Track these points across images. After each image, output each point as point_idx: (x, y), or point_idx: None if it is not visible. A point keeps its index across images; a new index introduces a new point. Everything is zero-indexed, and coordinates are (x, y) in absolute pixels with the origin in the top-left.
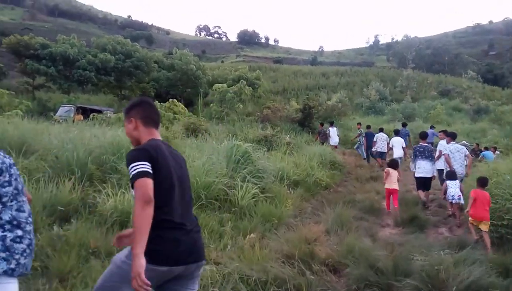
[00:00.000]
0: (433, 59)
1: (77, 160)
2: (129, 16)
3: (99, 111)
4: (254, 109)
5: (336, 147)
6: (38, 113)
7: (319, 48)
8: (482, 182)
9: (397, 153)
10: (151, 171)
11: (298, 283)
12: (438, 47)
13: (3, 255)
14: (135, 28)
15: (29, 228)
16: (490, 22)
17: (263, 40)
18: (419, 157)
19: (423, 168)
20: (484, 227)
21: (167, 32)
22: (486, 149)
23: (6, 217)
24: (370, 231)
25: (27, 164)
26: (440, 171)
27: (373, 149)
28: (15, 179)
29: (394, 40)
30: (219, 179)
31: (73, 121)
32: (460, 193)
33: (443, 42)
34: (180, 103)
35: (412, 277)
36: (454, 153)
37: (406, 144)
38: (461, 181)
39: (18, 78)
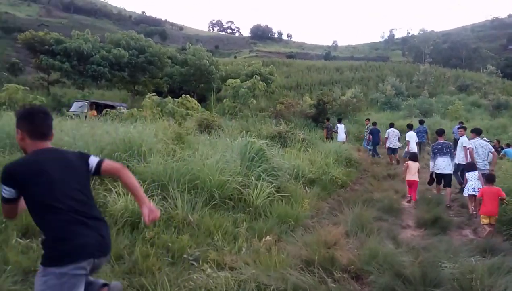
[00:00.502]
0: (450, 53)
1: None
2: (143, 12)
3: (113, 107)
4: (267, 105)
5: (343, 143)
6: (52, 109)
7: (333, 43)
8: (489, 179)
9: (413, 146)
10: (9, 197)
11: None
12: (456, 42)
13: None
14: (149, 24)
15: None
16: (509, 15)
17: (276, 35)
18: (438, 154)
19: (440, 164)
20: (492, 220)
21: (181, 28)
22: (508, 145)
23: None
24: (391, 233)
25: None
26: (459, 166)
27: (386, 145)
28: None
29: (409, 35)
30: (233, 178)
31: (86, 117)
32: (480, 185)
33: (461, 36)
34: (193, 99)
35: (444, 288)
36: (478, 148)
37: (424, 141)
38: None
39: (34, 74)
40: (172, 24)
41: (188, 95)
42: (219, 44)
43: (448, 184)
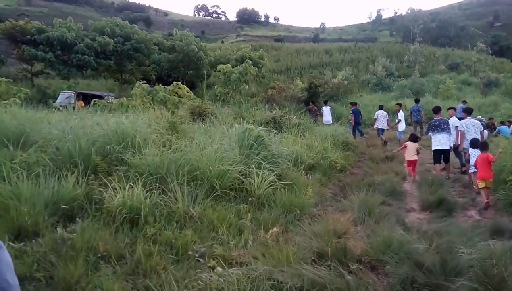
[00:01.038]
0: (438, 32)
1: (79, 151)
2: None
3: (100, 97)
4: (257, 90)
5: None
6: (38, 101)
7: (320, 25)
8: (482, 147)
9: (402, 126)
10: None
11: (336, 288)
12: (444, 20)
13: None
14: (133, 10)
15: None
16: None
17: (263, 19)
18: (435, 131)
19: (439, 141)
20: (488, 184)
21: (165, 14)
22: (502, 123)
23: None
24: (399, 218)
25: (25, 158)
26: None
27: (374, 126)
28: None
29: (397, 15)
30: (233, 167)
31: (74, 108)
32: None
33: (448, 14)
34: (184, 86)
35: (468, 277)
36: (470, 127)
37: (420, 120)
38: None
39: (16, 66)
40: (156, 10)
41: (179, 82)
42: (205, 29)
43: (447, 160)
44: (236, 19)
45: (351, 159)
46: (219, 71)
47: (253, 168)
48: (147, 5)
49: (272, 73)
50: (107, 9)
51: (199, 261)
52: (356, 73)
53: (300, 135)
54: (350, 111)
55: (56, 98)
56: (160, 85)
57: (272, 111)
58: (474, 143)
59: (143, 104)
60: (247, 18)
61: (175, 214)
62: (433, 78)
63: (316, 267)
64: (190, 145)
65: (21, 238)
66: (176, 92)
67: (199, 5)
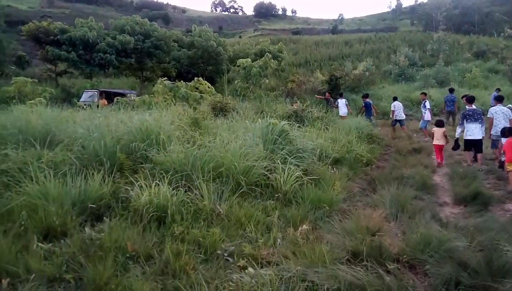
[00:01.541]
0: (461, 19)
1: (104, 149)
2: None
3: (123, 95)
4: (277, 84)
5: (345, 117)
6: (62, 100)
7: (339, 16)
8: (510, 131)
9: (428, 116)
10: None
11: (375, 290)
12: (468, 6)
13: None
14: (151, 8)
15: None
16: None
17: (280, 12)
18: (469, 120)
19: (472, 131)
20: None
21: (183, 10)
22: None
23: None
24: (434, 214)
25: (52, 157)
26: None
27: (393, 117)
28: None
29: (417, 3)
30: (258, 162)
31: (97, 106)
32: None
33: (472, 1)
34: (205, 81)
35: None
36: (499, 114)
37: (453, 110)
38: None
39: (41, 66)
40: (174, 7)
41: (200, 78)
42: (223, 24)
43: (480, 150)
44: (253, 13)
45: (377, 152)
46: (238, 66)
47: (278, 163)
48: (165, 2)
49: (291, 66)
50: (126, 8)
51: (228, 260)
52: (378, 64)
53: (324, 128)
54: (363, 104)
55: (80, 97)
56: (182, 81)
57: (293, 105)
58: (504, 132)
59: (165, 101)
60: (264, 12)
61: (202, 211)
62: (458, 66)
63: (352, 268)
64: (214, 141)
65: (50, 238)
66: (197, 88)
67: (216, 0)
